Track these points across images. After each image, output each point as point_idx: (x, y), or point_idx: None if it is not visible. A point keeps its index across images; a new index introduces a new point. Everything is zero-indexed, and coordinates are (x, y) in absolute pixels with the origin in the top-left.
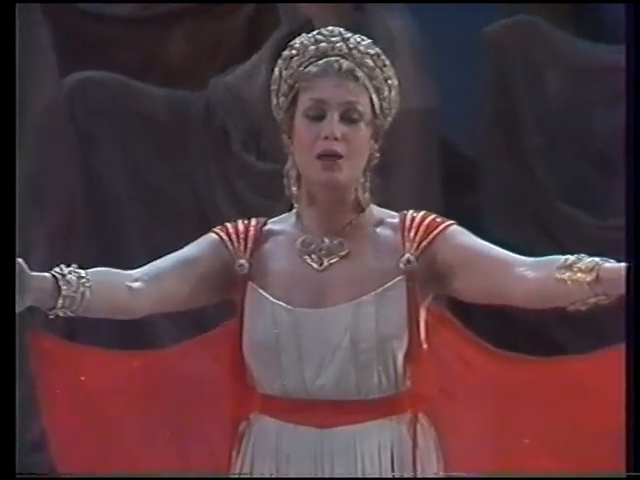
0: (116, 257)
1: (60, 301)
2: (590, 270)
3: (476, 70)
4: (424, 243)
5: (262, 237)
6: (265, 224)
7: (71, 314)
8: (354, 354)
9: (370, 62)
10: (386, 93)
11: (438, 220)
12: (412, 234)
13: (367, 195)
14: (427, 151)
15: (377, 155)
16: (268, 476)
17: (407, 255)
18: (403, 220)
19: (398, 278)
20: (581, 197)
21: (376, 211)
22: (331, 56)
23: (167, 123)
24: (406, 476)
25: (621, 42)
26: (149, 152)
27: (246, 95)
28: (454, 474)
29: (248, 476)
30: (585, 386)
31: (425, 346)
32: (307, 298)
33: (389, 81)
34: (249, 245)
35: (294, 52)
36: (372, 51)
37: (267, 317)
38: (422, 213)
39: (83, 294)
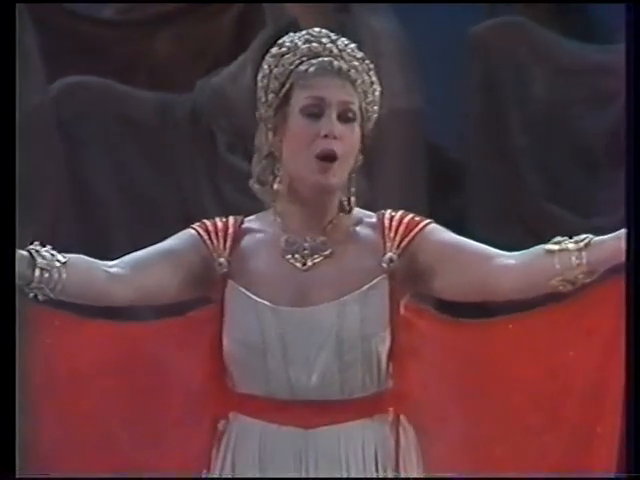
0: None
1: (37, 273)
2: (581, 240)
3: (462, 71)
4: (404, 242)
5: (241, 235)
6: (243, 222)
7: (50, 294)
8: (339, 353)
9: (358, 65)
10: (370, 97)
11: (417, 219)
12: (392, 233)
13: (353, 198)
14: (413, 152)
15: (360, 158)
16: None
17: (389, 254)
18: (382, 220)
19: (381, 277)
20: (567, 197)
21: (355, 211)
22: (324, 56)
23: (153, 126)
24: (390, 476)
25: (607, 42)
26: (135, 155)
27: (232, 96)
28: (453, 474)
29: (244, 476)
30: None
31: (405, 343)
32: (290, 297)
33: (374, 85)
34: (228, 243)
35: (284, 50)
36: (358, 55)
37: (251, 316)
38: (400, 212)
39: (59, 271)
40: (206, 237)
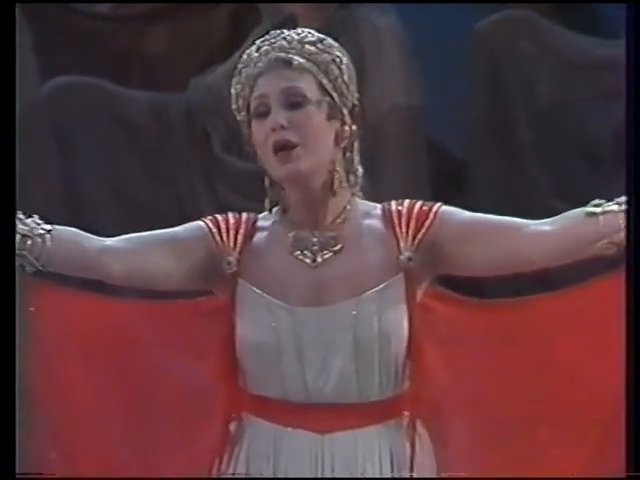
0: None
1: (17, 239)
2: (623, 202)
3: (466, 66)
4: (419, 235)
5: (253, 233)
6: (256, 220)
7: (36, 264)
8: (356, 354)
9: (311, 48)
10: (336, 72)
11: (425, 208)
12: (404, 229)
13: (354, 178)
14: (415, 149)
15: (345, 135)
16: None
17: (407, 253)
18: (389, 214)
19: (398, 275)
20: (574, 194)
21: (361, 204)
22: (271, 54)
23: (147, 126)
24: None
25: (614, 36)
26: (129, 156)
27: (228, 95)
28: (454, 474)
29: (245, 476)
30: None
31: (424, 335)
32: (304, 296)
33: (337, 60)
34: (239, 240)
35: (241, 65)
36: (313, 38)
37: (265, 316)
38: (407, 204)
39: (43, 238)
40: (215, 232)
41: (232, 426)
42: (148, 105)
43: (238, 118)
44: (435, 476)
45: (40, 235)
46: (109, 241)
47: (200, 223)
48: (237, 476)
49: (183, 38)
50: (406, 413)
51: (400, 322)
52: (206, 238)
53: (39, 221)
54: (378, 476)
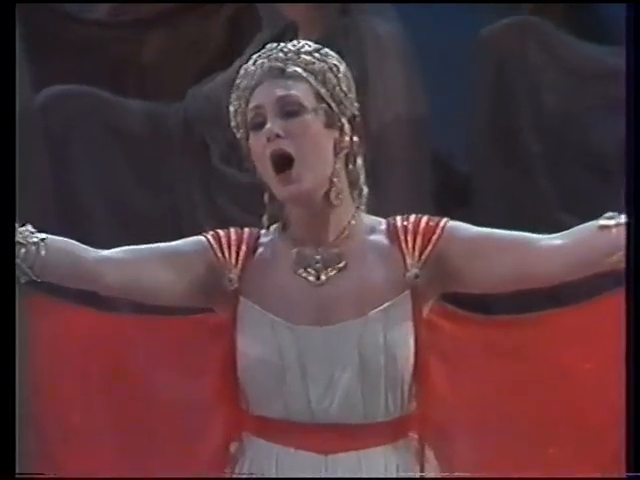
0: None
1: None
2: None
3: (471, 75)
4: (426, 252)
5: (255, 249)
6: (259, 235)
7: (30, 273)
8: (362, 375)
9: (307, 57)
10: (334, 80)
11: (432, 223)
12: (410, 245)
13: (358, 192)
14: (419, 161)
15: (345, 145)
16: None
17: (414, 270)
18: (394, 229)
19: (404, 293)
20: (582, 207)
21: (365, 218)
22: (266, 65)
23: (144, 137)
24: None
25: (623, 43)
26: (125, 168)
27: (227, 105)
28: (454, 474)
29: (247, 476)
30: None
31: (430, 354)
32: (308, 315)
33: (334, 68)
34: (241, 257)
35: (239, 80)
36: (310, 48)
37: (268, 335)
38: (413, 219)
39: (37, 247)
40: (217, 247)
41: (232, 447)
42: (145, 115)
43: (237, 135)
44: None
45: (34, 243)
46: (106, 252)
47: (201, 237)
48: (237, 476)
49: (181, 46)
50: (414, 435)
51: (407, 341)
52: (206, 253)
53: (33, 230)
54: None
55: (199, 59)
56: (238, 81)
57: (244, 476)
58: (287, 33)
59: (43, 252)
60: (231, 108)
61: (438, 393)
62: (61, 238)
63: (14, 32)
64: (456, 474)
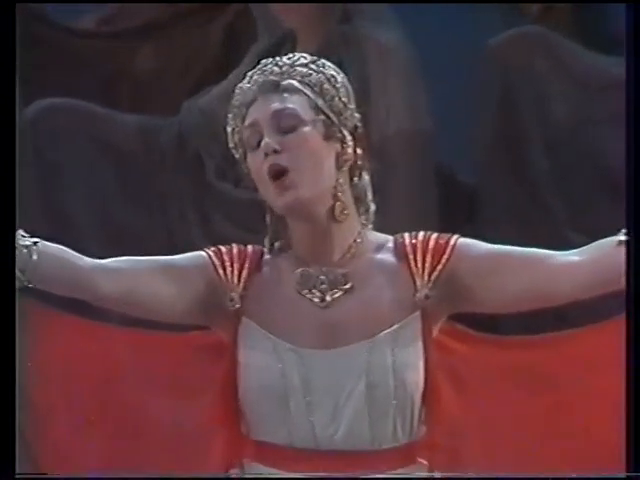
0: None
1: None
2: None
3: (477, 87)
4: (436, 271)
5: (259, 268)
6: (263, 254)
7: (22, 278)
8: (370, 400)
9: (303, 69)
10: (332, 92)
11: (441, 241)
12: (419, 264)
13: (364, 208)
14: (423, 176)
15: (347, 157)
16: None
17: (424, 291)
18: (402, 247)
19: (414, 314)
20: (592, 224)
21: (371, 236)
22: (260, 81)
23: (136, 152)
24: None
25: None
26: (116, 184)
27: (222, 118)
28: (455, 474)
29: (250, 476)
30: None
31: (440, 376)
32: (313, 338)
33: (332, 79)
34: (244, 275)
35: (235, 99)
36: (305, 60)
37: (271, 359)
38: (421, 237)
39: (29, 251)
40: (218, 264)
41: (232, 473)
42: (137, 129)
43: (236, 156)
44: None
45: (26, 246)
46: (102, 261)
47: (201, 253)
48: (235, 476)
49: (175, 57)
50: (423, 461)
51: (416, 364)
52: (207, 268)
53: (25, 234)
54: None
55: (194, 71)
56: (234, 100)
57: (245, 476)
58: (285, 42)
59: (35, 257)
60: (228, 128)
61: (449, 417)
62: (55, 245)
63: (14, 32)
64: (456, 474)
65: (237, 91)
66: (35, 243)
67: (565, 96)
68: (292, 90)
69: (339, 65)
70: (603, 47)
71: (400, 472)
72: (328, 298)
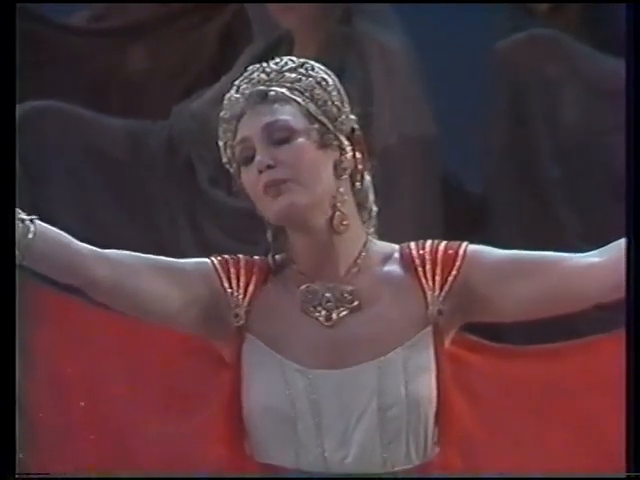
0: None
1: None
2: None
3: (485, 92)
4: (448, 284)
5: (266, 282)
6: (269, 267)
7: (17, 254)
8: (382, 422)
9: (292, 75)
10: (324, 96)
11: (450, 251)
12: (429, 276)
13: (367, 214)
14: (428, 184)
15: (347, 165)
16: None
17: (436, 305)
18: (410, 259)
19: (426, 330)
20: (604, 236)
21: (377, 246)
22: (248, 91)
23: (125, 157)
24: None
25: None
26: (105, 190)
27: (215, 123)
28: (455, 474)
29: (249, 475)
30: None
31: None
32: (320, 358)
33: (323, 82)
34: (250, 291)
35: (224, 112)
36: (293, 64)
37: (278, 379)
38: (429, 247)
39: (26, 226)
40: (224, 276)
41: None
42: (126, 133)
43: (231, 171)
44: None
45: (21, 220)
46: (101, 249)
47: (206, 260)
48: (237, 476)
49: (166, 58)
50: None
51: (429, 383)
52: (210, 276)
53: (21, 211)
54: None
55: (186, 73)
56: (223, 113)
57: (245, 475)
58: (282, 44)
59: (31, 235)
60: (220, 143)
61: (462, 434)
62: (52, 228)
63: (14, 32)
64: (456, 474)
65: (225, 102)
66: (32, 220)
67: (577, 102)
68: (282, 99)
69: (340, 68)
70: (615, 48)
71: None
72: (334, 317)
